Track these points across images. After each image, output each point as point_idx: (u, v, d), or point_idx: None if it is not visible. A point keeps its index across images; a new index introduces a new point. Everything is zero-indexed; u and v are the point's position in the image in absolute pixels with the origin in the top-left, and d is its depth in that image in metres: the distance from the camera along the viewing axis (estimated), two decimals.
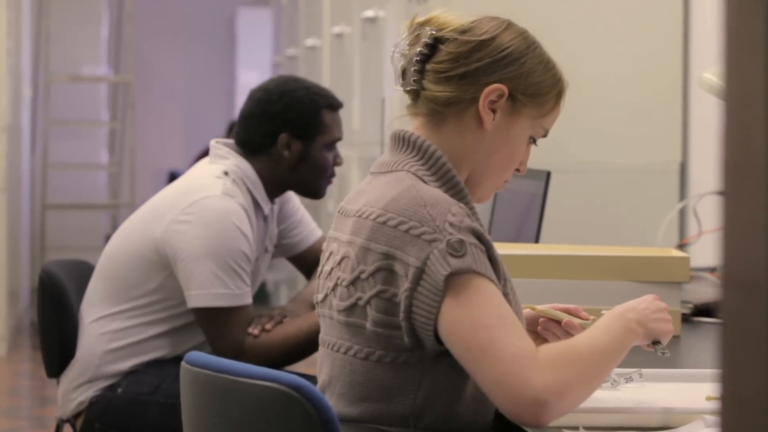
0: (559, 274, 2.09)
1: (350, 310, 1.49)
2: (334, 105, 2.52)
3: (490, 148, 1.56)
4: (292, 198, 2.67)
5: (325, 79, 5.00)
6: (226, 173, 2.43)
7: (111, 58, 7.87)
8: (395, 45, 1.58)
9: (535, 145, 1.61)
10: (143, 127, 7.81)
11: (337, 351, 1.53)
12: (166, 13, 8.33)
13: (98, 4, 7.50)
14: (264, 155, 2.47)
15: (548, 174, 2.48)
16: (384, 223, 1.46)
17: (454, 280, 1.41)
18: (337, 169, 2.60)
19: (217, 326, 2.38)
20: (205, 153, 2.64)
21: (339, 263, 1.52)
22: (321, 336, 1.59)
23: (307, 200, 2.75)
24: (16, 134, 6.40)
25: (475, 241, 1.44)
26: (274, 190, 2.52)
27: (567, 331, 1.61)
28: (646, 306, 1.52)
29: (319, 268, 1.60)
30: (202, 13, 8.39)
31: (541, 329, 1.65)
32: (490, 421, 1.52)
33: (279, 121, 2.46)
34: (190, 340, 2.47)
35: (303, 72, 5.85)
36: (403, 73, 1.56)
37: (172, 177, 6.99)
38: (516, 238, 2.63)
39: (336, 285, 1.52)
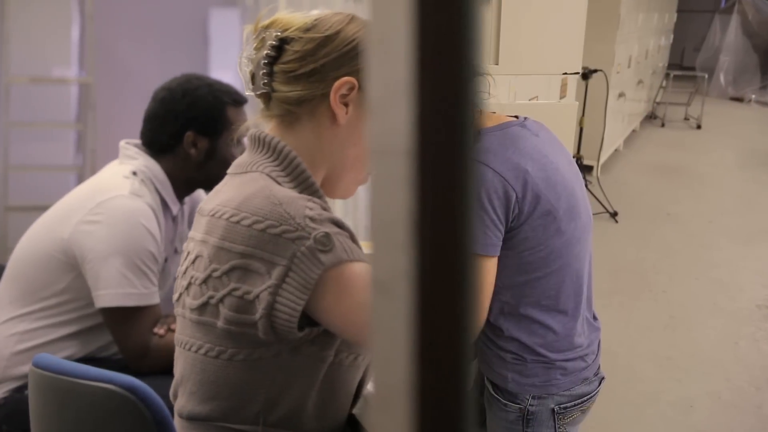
0: None
1: (202, 308, 1.47)
2: (239, 101, 2.50)
3: (346, 142, 1.55)
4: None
5: None
6: (134, 173, 2.41)
7: (81, 60, 7.85)
8: (241, 51, 1.57)
9: None
10: (114, 129, 7.78)
11: (189, 349, 1.51)
12: (139, 15, 8.31)
13: (67, 6, 7.47)
14: (171, 154, 2.46)
15: None
16: (238, 222, 1.43)
17: (328, 276, 1.39)
18: None
19: (123, 326, 2.36)
20: None
21: (193, 262, 1.50)
22: (176, 335, 1.57)
23: None
24: None
25: (337, 229, 1.42)
26: (183, 188, 2.49)
27: None
28: None
29: (179, 269, 1.58)
30: (175, 15, 8.37)
31: None
32: (343, 422, 1.50)
33: (183, 119, 2.44)
34: (98, 341, 2.44)
35: None
36: (252, 78, 1.55)
37: None
38: None
39: (190, 284, 1.50)
